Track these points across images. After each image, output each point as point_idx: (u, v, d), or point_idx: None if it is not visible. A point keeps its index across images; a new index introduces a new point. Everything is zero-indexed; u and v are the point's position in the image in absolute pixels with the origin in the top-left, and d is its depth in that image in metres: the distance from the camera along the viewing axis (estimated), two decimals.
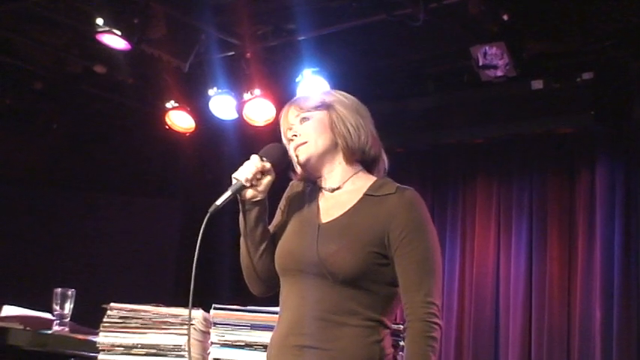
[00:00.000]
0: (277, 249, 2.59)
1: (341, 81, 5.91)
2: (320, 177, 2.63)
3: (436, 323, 2.41)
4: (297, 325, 2.47)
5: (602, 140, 6.28)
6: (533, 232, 6.52)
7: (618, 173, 6.21)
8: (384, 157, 2.66)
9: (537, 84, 6.05)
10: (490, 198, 6.82)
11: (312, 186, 2.66)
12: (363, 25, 5.88)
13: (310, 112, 2.58)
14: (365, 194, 2.54)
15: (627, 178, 6.17)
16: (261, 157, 2.56)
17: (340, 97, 2.63)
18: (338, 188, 2.59)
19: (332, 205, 2.56)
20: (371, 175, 2.60)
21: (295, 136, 2.59)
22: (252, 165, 2.54)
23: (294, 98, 2.70)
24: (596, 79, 5.89)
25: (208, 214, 2.52)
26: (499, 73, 5.72)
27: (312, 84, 6.19)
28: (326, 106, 2.59)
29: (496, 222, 6.75)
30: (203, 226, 2.51)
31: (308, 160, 2.58)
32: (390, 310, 2.50)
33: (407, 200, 2.51)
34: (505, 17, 5.50)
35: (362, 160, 2.61)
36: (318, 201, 2.61)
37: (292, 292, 2.52)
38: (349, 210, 2.53)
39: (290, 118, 2.62)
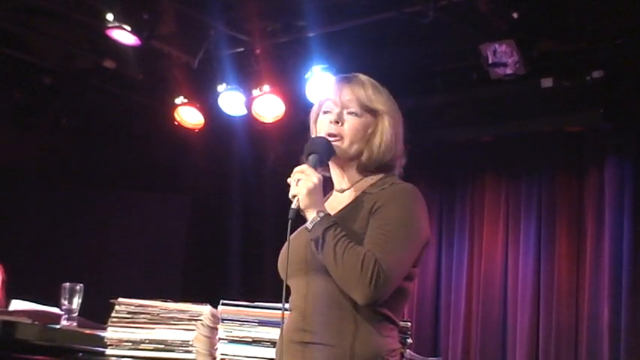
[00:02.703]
0: (279, 257, 2.60)
1: None
2: (334, 170, 2.63)
3: (374, 279, 2.33)
4: (301, 322, 2.47)
5: (612, 138, 6.27)
6: (542, 230, 6.51)
7: (627, 171, 6.20)
8: (401, 161, 2.64)
9: (547, 82, 6.04)
10: (498, 196, 6.81)
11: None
12: (373, 22, 5.88)
13: (362, 110, 2.57)
14: (363, 191, 2.56)
15: (636, 177, 6.15)
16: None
17: (393, 108, 2.61)
18: (348, 189, 2.61)
19: (333, 206, 2.57)
20: (380, 175, 2.60)
21: (337, 122, 2.56)
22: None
23: (355, 78, 2.64)
24: (605, 78, 5.88)
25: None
26: (508, 71, 5.71)
27: (322, 81, 6.20)
28: (378, 114, 2.58)
29: (504, 220, 6.74)
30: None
31: (337, 155, 2.57)
32: (397, 306, 2.48)
33: (398, 189, 2.52)
34: (515, 15, 5.49)
35: (377, 167, 2.60)
36: None
37: (296, 292, 2.53)
38: (344, 207, 2.55)
39: (343, 96, 2.58)
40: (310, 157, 2.49)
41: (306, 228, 2.44)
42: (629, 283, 6.01)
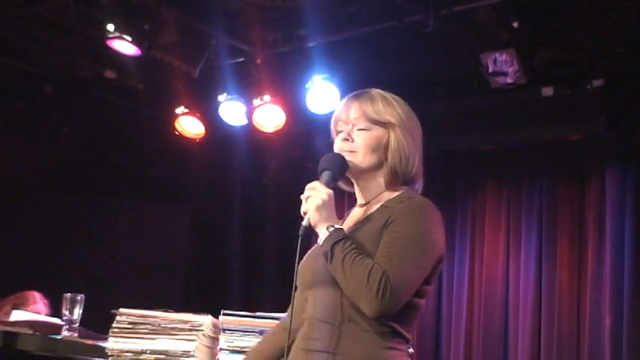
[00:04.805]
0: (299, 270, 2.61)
1: (351, 87, 5.89)
2: (354, 186, 2.66)
3: (382, 290, 2.32)
4: (310, 330, 2.49)
5: (613, 147, 6.27)
6: (543, 239, 6.51)
7: (629, 180, 6.20)
8: (421, 175, 2.65)
9: (547, 91, 6.04)
10: (500, 204, 6.81)
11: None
12: (373, 32, 5.88)
13: (371, 124, 2.58)
14: (382, 205, 2.56)
15: (638, 185, 6.15)
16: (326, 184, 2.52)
17: (403, 118, 2.61)
18: (368, 203, 2.62)
19: (351, 220, 2.59)
20: (402, 189, 2.60)
21: (347, 139, 2.58)
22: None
23: (364, 94, 2.66)
24: (606, 86, 5.88)
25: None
26: (509, 80, 5.71)
27: (322, 90, 6.20)
28: (389, 125, 2.58)
29: (506, 228, 6.74)
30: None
31: (351, 169, 2.59)
32: (406, 318, 2.48)
33: (411, 203, 2.51)
34: (515, 24, 5.49)
35: (404, 180, 2.61)
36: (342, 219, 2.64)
37: (309, 303, 2.54)
38: (359, 221, 2.57)
39: (350, 113, 2.61)
40: (323, 174, 2.52)
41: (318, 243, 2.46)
42: (630, 292, 6.00)
